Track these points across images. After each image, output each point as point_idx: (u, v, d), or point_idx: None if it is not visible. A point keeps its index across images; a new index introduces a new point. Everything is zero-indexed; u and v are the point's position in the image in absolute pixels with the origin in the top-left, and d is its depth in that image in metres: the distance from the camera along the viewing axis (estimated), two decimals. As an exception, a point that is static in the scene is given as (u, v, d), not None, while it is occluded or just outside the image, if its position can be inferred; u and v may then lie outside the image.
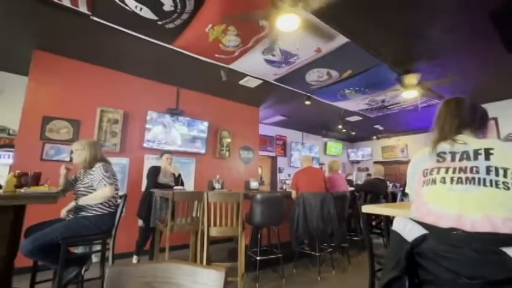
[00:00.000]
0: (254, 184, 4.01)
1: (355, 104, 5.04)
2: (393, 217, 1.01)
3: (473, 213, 0.77)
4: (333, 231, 3.05)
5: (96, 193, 1.95)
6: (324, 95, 4.53)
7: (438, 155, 0.95)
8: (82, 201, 1.94)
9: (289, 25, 2.21)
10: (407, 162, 8.18)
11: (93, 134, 3.46)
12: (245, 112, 5.33)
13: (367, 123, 6.77)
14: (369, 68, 3.48)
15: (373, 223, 4.14)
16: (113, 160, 2.47)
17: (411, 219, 0.89)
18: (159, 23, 2.49)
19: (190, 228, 2.60)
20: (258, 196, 2.73)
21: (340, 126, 6.69)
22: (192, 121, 4.42)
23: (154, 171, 3.15)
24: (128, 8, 2.28)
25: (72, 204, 1.95)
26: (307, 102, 4.66)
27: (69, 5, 2.31)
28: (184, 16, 2.40)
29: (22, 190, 1.69)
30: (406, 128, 7.54)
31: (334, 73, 3.66)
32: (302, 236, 3.06)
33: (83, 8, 2.37)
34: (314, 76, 3.76)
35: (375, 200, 3.79)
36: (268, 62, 3.33)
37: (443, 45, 3.02)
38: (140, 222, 3.12)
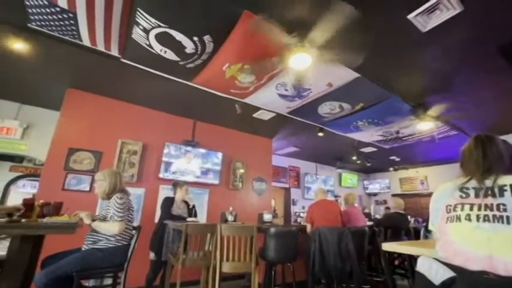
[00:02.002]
0: (267, 217, 3.91)
1: (368, 135, 5.01)
2: (417, 256, 0.96)
3: (505, 255, 0.73)
4: (352, 269, 2.85)
5: (106, 225, 1.96)
6: (337, 126, 4.56)
7: (461, 190, 0.92)
8: (94, 225, 1.95)
9: (301, 63, 2.34)
10: (428, 195, 7.83)
11: (113, 165, 3.60)
12: (258, 143, 5.42)
13: (382, 155, 6.64)
14: (381, 101, 3.53)
15: (396, 262, 3.84)
16: (129, 190, 2.53)
17: (437, 259, 0.84)
18: (181, 63, 2.72)
19: (202, 263, 2.53)
20: (272, 230, 2.66)
21: (354, 158, 6.60)
22: (207, 152, 4.53)
23: (168, 201, 3.17)
24: (154, 51, 2.51)
25: (89, 221, 1.95)
26: (320, 134, 4.69)
27: (103, 49, 2.59)
28: (204, 57, 2.61)
29: (44, 220, 1.75)
30: (424, 159, 7.31)
31: (347, 106, 3.73)
32: (319, 274, 2.87)
33: (114, 52, 2.64)
34: (326, 109, 3.85)
35: (396, 236, 3.57)
36: (281, 96, 3.47)
37: (456, 79, 3.05)
38: (152, 255, 3.06)
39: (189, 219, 3.00)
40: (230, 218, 3.34)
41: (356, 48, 2.31)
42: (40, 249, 2.04)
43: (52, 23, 2.24)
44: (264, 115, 4.25)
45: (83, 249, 1.96)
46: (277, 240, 2.61)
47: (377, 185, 9.20)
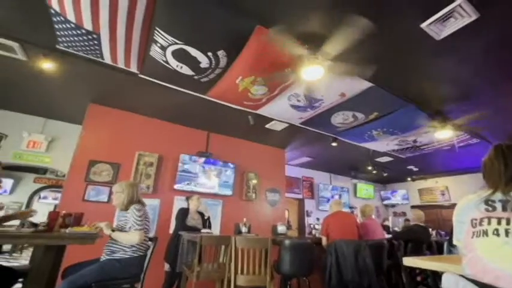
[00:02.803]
0: (281, 228, 3.86)
1: (384, 144, 4.90)
2: (442, 272, 0.92)
3: (538, 273, 0.69)
4: (371, 284, 2.73)
5: (127, 235, 1.99)
6: (351, 136, 4.50)
7: (486, 203, 0.88)
8: (114, 235, 1.98)
9: (313, 75, 2.36)
10: (450, 206, 7.43)
11: (130, 176, 3.70)
12: (271, 154, 5.42)
13: (399, 164, 6.44)
14: (396, 110, 3.47)
15: (418, 278, 3.64)
16: (145, 201, 2.58)
17: (463, 276, 0.80)
18: (196, 77, 2.81)
19: (216, 275, 2.51)
20: (287, 242, 2.61)
21: (370, 167, 6.44)
22: (220, 163, 4.57)
23: (184, 212, 3.21)
24: (170, 67, 2.62)
25: (109, 232, 1.97)
26: (334, 144, 4.64)
27: (123, 66, 2.73)
28: (218, 71, 2.69)
29: (67, 231, 1.82)
30: (444, 169, 7.02)
31: (360, 115, 3.68)
32: (336, 290, 2.77)
33: (133, 68, 2.78)
34: (339, 118, 3.82)
35: (417, 250, 3.40)
36: (294, 107, 3.48)
37: (474, 86, 2.97)
38: (167, 267, 3.08)
39: (203, 230, 3.01)
40: (244, 229, 3.32)
41: (369, 59, 2.30)
42: (61, 259, 2.11)
43: (77, 44, 2.40)
44: (276, 126, 4.28)
45: (102, 259, 2.00)
46: (292, 253, 2.56)
47: (395, 195, 8.88)
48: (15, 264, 2.11)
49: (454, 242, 1.01)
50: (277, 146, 5.44)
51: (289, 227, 4.16)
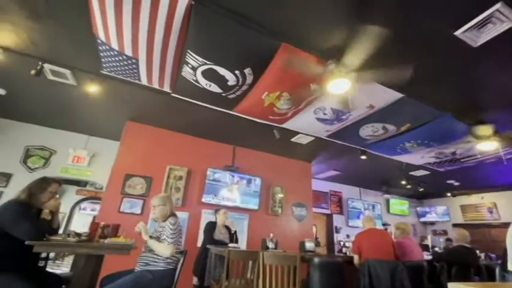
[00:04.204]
0: (310, 245, 3.73)
1: (418, 157, 4.61)
2: (496, 302, 0.83)
3: None
4: (411, 312, 2.50)
5: (160, 246, 2.05)
6: (382, 149, 4.31)
7: None
8: (150, 242, 2.05)
9: (339, 88, 2.34)
10: (500, 225, 6.66)
11: (161, 190, 3.88)
12: (297, 167, 5.35)
13: (437, 178, 5.98)
14: (431, 120, 3.28)
15: (467, 307, 3.25)
16: (176, 213, 2.67)
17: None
18: (223, 94, 2.93)
19: (244, 291, 2.48)
20: (316, 260, 2.52)
21: (403, 182, 6.05)
22: (246, 177, 4.61)
23: (211, 226, 3.25)
24: (200, 85, 2.77)
25: (146, 237, 2.05)
26: (363, 157, 4.47)
27: (157, 87, 2.94)
28: (244, 87, 2.79)
29: (106, 241, 1.94)
30: (490, 184, 6.37)
31: (391, 127, 3.53)
32: (371, 314, 2.58)
33: (166, 88, 2.98)
34: (368, 131, 3.69)
35: (464, 274, 3.07)
36: (320, 120, 3.45)
37: (520, 92, 2.72)
38: (195, 280, 3.11)
39: (230, 244, 3.02)
40: (271, 245, 3.27)
41: (400, 68, 2.24)
42: (100, 268, 2.23)
43: (119, 68, 2.65)
44: (302, 139, 4.25)
45: (136, 270, 2.08)
46: (322, 272, 2.46)
47: (433, 212, 8.18)
48: (58, 271, 2.28)
49: (510, 267, 0.91)
50: (303, 159, 5.37)
51: (317, 244, 4.00)
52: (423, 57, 2.31)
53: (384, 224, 7.21)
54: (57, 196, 2.12)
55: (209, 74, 2.56)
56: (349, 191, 7.47)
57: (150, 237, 2.07)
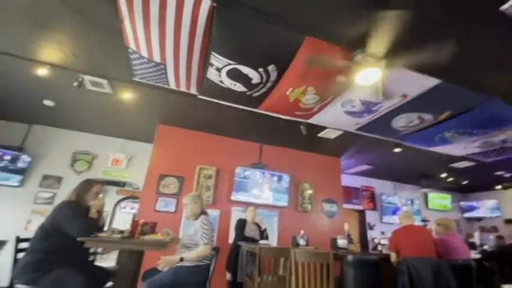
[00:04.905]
0: (342, 242, 3.62)
1: (460, 148, 4.22)
2: None
3: None
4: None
5: (195, 252, 2.12)
6: (418, 140, 4.02)
7: None
8: (186, 256, 2.13)
9: (369, 79, 2.23)
10: None
11: (192, 189, 4.03)
12: (326, 163, 5.22)
13: (483, 170, 5.44)
14: (475, 107, 2.98)
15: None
16: (208, 211, 2.76)
17: None
18: (248, 93, 2.95)
19: (277, 288, 2.49)
20: (350, 258, 2.44)
21: (444, 175, 5.61)
22: (274, 174, 4.61)
23: (242, 223, 3.32)
24: (225, 85, 2.82)
25: (177, 259, 2.10)
26: (397, 150, 4.22)
27: (184, 90, 3.06)
28: (268, 85, 2.78)
29: (145, 237, 2.07)
30: (550, 174, 5.64)
31: (428, 117, 3.28)
32: (413, 315, 2.44)
33: (193, 91, 3.08)
34: (402, 122, 3.47)
35: (520, 276, 2.78)
36: (348, 113, 3.32)
37: None
38: (228, 276, 3.20)
39: (261, 241, 3.05)
40: (302, 242, 3.24)
41: (436, 51, 2.07)
42: (141, 263, 2.39)
43: (149, 75, 2.79)
44: (330, 134, 4.13)
45: (174, 266, 2.20)
46: (356, 270, 2.38)
47: (480, 207, 7.47)
48: (104, 264, 2.49)
49: None
50: (331, 154, 5.22)
51: (350, 241, 3.86)
52: (464, 37, 2.11)
53: (423, 220, 6.75)
54: (101, 196, 2.31)
55: (233, 74, 2.60)
56: (383, 185, 7.11)
57: (181, 259, 2.09)
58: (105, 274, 2.18)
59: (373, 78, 2.22)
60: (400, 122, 3.50)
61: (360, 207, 6.70)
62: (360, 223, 6.79)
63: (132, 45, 2.34)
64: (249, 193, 4.35)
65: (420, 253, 2.62)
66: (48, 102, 3.81)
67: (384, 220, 6.67)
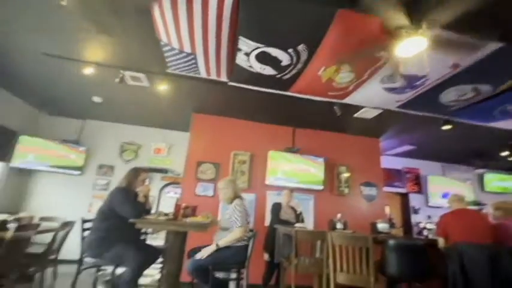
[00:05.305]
0: (383, 226, 3.49)
1: (527, 121, 3.65)
2: None
3: None
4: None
5: (229, 237, 2.24)
6: (472, 115, 3.57)
7: None
8: (221, 243, 2.25)
9: (412, 50, 2.01)
10: None
11: (228, 174, 4.18)
12: (363, 145, 4.96)
13: (557, 146, 4.67)
14: (548, 72, 2.52)
15: None
16: (244, 195, 2.84)
17: None
18: (278, 76, 2.88)
19: (314, 269, 2.52)
20: (391, 242, 2.34)
21: (505, 153, 4.94)
22: (308, 158, 4.54)
23: (277, 207, 3.37)
24: (254, 70, 2.79)
25: (213, 248, 2.23)
26: (446, 127, 3.81)
27: (215, 77, 3.10)
28: (299, 66, 2.67)
29: (187, 220, 2.23)
30: None
31: (485, 87, 2.87)
32: (464, 304, 2.29)
33: (223, 78, 3.11)
34: (452, 95, 3.10)
35: None
36: (388, 89, 3.06)
37: None
38: (266, 257, 3.31)
39: (296, 224, 3.07)
40: (339, 225, 3.19)
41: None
42: (185, 242, 2.60)
43: (181, 65, 2.88)
44: (367, 113, 3.88)
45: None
46: (399, 255, 2.28)
47: (552, 189, 6.49)
48: (155, 243, 2.75)
49: None
50: (369, 135, 4.93)
51: (392, 225, 3.69)
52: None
53: (476, 204, 6.12)
54: (147, 183, 2.52)
55: (262, 57, 2.55)
56: (429, 167, 6.55)
57: (217, 245, 2.21)
58: (156, 251, 2.42)
59: (417, 48, 1.99)
60: (450, 96, 3.13)
61: (403, 190, 6.31)
62: (402, 207, 6.42)
63: (163, 37, 2.41)
64: (283, 177, 4.36)
65: (473, 238, 2.40)
66: (96, 99, 4.20)
67: (430, 204, 6.20)
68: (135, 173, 2.36)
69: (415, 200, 6.30)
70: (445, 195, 6.20)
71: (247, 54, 2.52)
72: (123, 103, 4.33)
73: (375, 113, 3.84)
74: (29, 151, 4.54)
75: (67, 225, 3.67)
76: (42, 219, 3.86)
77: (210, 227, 2.20)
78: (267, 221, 3.77)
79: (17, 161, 4.43)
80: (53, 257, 3.55)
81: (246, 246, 2.30)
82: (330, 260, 2.22)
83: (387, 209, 5.30)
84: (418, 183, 6.40)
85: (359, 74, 2.76)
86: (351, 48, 2.32)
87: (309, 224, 4.11)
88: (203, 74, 3.04)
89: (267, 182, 4.32)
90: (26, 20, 2.52)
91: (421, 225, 5.23)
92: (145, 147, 5.31)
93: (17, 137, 4.48)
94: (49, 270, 3.52)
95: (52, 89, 4.04)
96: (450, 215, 2.72)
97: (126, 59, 3.03)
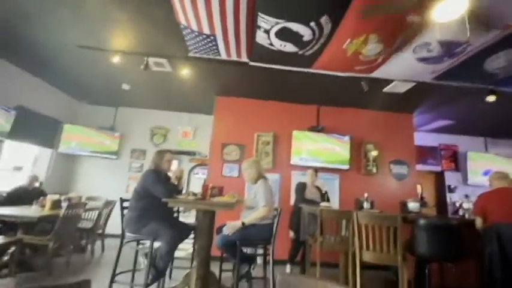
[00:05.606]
0: (413, 205, 3.36)
1: None
2: None
3: None
4: None
5: (254, 215, 2.31)
6: (523, 83, 3.17)
7: None
8: (247, 220, 2.35)
9: (451, 12, 1.79)
10: None
11: (252, 155, 4.24)
12: (394, 121, 4.68)
13: None
14: None
15: None
16: (268, 175, 2.89)
17: None
18: (300, 52, 2.76)
19: (339, 247, 2.54)
20: (422, 222, 2.26)
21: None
22: (334, 136, 4.42)
23: (301, 186, 3.38)
24: (274, 48, 2.70)
25: (240, 224, 2.32)
26: (491, 98, 3.43)
27: (235, 58, 3.06)
28: (322, 40, 2.53)
29: (215, 199, 2.34)
30: None
31: (541, 50, 2.50)
32: (502, 284, 2.18)
33: (244, 58, 3.06)
34: (500, 62, 2.74)
35: None
36: (422, 60, 2.80)
37: None
38: (291, 234, 3.40)
39: (322, 204, 3.08)
40: (366, 205, 3.14)
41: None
42: (214, 220, 2.75)
43: (202, 48, 2.88)
44: (398, 87, 3.61)
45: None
46: (430, 234, 2.20)
47: None
48: (187, 221, 2.94)
49: None
50: (401, 111, 4.63)
51: (423, 204, 3.54)
52: None
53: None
54: (175, 165, 2.66)
55: (283, 34, 2.45)
56: (469, 142, 6.03)
57: (243, 223, 2.29)
58: (187, 228, 2.60)
59: (457, 10, 1.77)
60: (497, 63, 2.78)
61: (438, 168, 5.94)
62: (436, 186, 6.09)
63: (182, 20, 2.41)
64: (307, 157, 4.32)
65: (516, 219, 2.23)
66: (125, 86, 4.40)
67: (469, 182, 5.79)
68: (160, 155, 2.49)
69: (451, 178, 5.92)
70: (486, 173, 5.73)
71: (267, 32, 2.43)
72: (149, 89, 4.49)
73: (407, 86, 3.57)
74: (72, 138, 4.98)
75: (109, 204, 4.06)
76: (88, 198, 4.31)
77: (236, 206, 2.29)
78: (292, 201, 3.82)
79: (63, 148, 4.90)
80: (100, 231, 4.00)
81: (271, 224, 2.38)
82: (356, 239, 2.22)
83: (419, 188, 5.06)
84: (455, 160, 5.96)
85: (388, 45, 2.55)
86: (380, 15, 2.13)
87: (334, 203, 4.10)
88: (223, 55, 3.01)
89: (291, 162, 4.32)
90: (60, 12, 2.65)
91: (458, 204, 4.94)
92: (173, 131, 5.54)
93: (61, 126, 4.93)
94: (98, 243, 3.99)
95: (87, 79, 4.31)
96: (490, 193, 2.53)
97: (149, 45, 3.10)
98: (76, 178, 5.28)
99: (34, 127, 4.38)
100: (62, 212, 2.93)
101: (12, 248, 2.83)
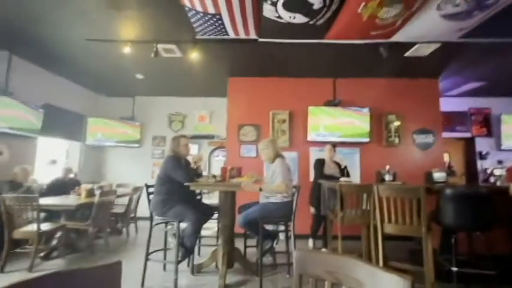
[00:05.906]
0: (439, 175, 3.23)
1: None
2: None
3: None
4: None
5: (273, 186, 2.36)
6: None
7: None
8: (264, 188, 2.40)
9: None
10: None
11: (269, 134, 4.23)
12: (417, 88, 4.39)
13: None
14: None
15: None
16: (285, 154, 2.88)
17: None
18: (310, 23, 2.61)
19: (360, 221, 2.54)
20: (448, 191, 2.18)
21: None
22: (351, 109, 4.26)
23: (320, 163, 3.36)
24: (283, 21, 2.57)
25: (257, 188, 2.35)
26: (530, 53, 3.08)
27: (244, 36, 2.97)
28: (333, 7, 2.36)
29: (234, 180, 2.40)
30: None
31: None
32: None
33: (252, 35, 2.96)
34: (541, 10, 2.42)
35: None
36: (448, 17, 2.53)
37: None
38: (312, 210, 3.45)
39: (342, 179, 3.05)
40: (388, 177, 3.07)
41: None
42: (235, 200, 2.85)
43: (209, 28, 2.81)
44: (421, 50, 3.34)
45: (260, 201, 2.53)
46: (457, 204, 2.12)
47: None
48: (210, 202, 3.07)
49: None
50: (425, 76, 4.31)
51: (450, 173, 3.40)
52: None
53: None
54: (193, 149, 2.73)
55: (291, 4, 2.31)
56: (503, 104, 5.54)
57: (260, 189, 2.34)
58: (210, 209, 2.73)
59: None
60: (537, 12, 2.45)
61: (467, 135, 5.57)
62: (466, 153, 5.76)
63: (186, 2, 2.34)
64: (325, 132, 4.24)
65: (555, 184, 2.07)
66: (139, 76, 4.48)
67: (502, 147, 5.40)
68: (175, 141, 2.55)
69: (482, 144, 5.55)
70: (522, 136, 5.31)
71: (274, 4, 2.31)
72: (162, 76, 4.53)
73: (431, 48, 3.29)
74: (97, 130, 5.24)
75: (137, 189, 4.33)
76: (118, 185, 4.61)
77: (253, 186, 2.34)
78: (311, 177, 3.82)
79: (90, 140, 5.19)
80: (132, 215, 4.32)
81: (290, 202, 2.42)
82: (377, 212, 2.20)
83: (446, 157, 4.83)
84: (488, 124, 5.54)
85: (409, 4, 2.32)
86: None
87: (355, 178, 4.04)
88: (231, 34, 2.93)
89: (309, 139, 4.26)
90: (66, 8, 2.68)
91: (488, 171, 4.68)
92: (190, 116, 5.64)
93: (85, 119, 5.18)
94: (132, 226, 4.32)
95: (102, 72, 4.43)
96: (526, 158, 2.35)
97: (156, 32, 3.08)
98: (105, 167, 5.63)
99: (61, 122, 4.66)
100: (96, 199, 3.18)
101: (59, 233, 3.15)
